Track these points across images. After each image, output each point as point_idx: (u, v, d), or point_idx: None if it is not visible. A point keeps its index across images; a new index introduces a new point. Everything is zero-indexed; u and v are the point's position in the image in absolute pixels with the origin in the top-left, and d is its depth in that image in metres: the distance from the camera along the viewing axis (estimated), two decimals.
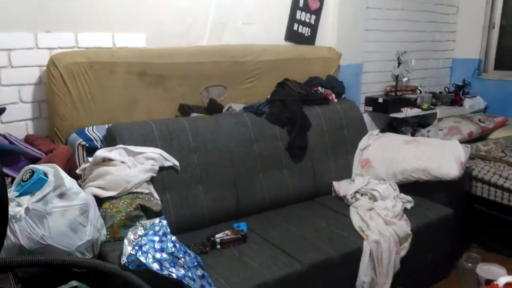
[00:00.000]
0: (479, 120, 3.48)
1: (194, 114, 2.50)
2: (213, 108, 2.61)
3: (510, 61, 4.07)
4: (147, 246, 1.56)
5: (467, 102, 3.92)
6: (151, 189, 2.04)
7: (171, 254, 1.59)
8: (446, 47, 4.23)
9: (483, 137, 3.42)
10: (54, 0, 2.21)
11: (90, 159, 2.01)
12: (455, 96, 3.91)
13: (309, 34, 3.20)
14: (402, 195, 2.49)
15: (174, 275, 1.53)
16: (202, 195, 2.25)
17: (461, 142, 2.85)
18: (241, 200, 2.37)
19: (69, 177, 1.67)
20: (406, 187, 2.59)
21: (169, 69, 2.48)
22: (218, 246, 1.99)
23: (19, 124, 2.23)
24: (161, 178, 2.14)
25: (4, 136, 1.96)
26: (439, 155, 2.54)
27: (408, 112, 3.48)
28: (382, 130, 3.36)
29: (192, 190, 2.24)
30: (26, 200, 1.54)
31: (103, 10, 2.36)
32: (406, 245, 2.24)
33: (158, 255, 1.55)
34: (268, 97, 2.78)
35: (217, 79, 2.70)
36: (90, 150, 2.14)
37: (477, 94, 4.04)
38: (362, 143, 2.85)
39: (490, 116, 3.61)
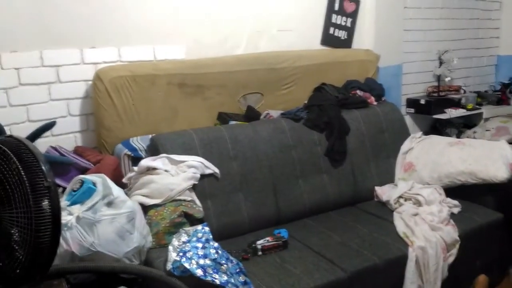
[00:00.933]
0: None
1: (232, 122, 2.54)
2: (251, 115, 2.63)
3: None
4: (190, 253, 1.60)
5: None
6: (193, 196, 2.08)
7: (214, 260, 1.62)
8: (490, 44, 4.07)
9: None
10: (98, 17, 2.33)
11: (136, 168, 2.08)
12: (502, 94, 3.76)
13: (345, 37, 3.17)
14: (448, 199, 2.41)
15: (217, 281, 1.55)
16: (243, 202, 2.28)
17: (510, 142, 2.72)
18: (281, 207, 2.37)
19: (116, 186, 1.74)
20: (452, 191, 2.50)
21: (207, 79, 2.53)
22: (260, 253, 2.00)
23: (68, 137, 2.34)
24: (202, 186, 2.18)
25: (55, 148, 2.07)
26: (486, 156, 2.44)
27: (452, 113, 3.37)
28: (426, 132, 3.27)
29: (233, 197, 2.27)
30: (76, 209, 1.62)
31: (144, 25, 2.45)
32: (454, 251, 2.16)
33: (201, 261, 1.58)
34: (305, 102, 2.78)
35: (254, 86, 2.72)
36: (135, 159, 2.21)
37: None
38: (404, 146, 2.78)
39: None
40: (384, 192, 2.55)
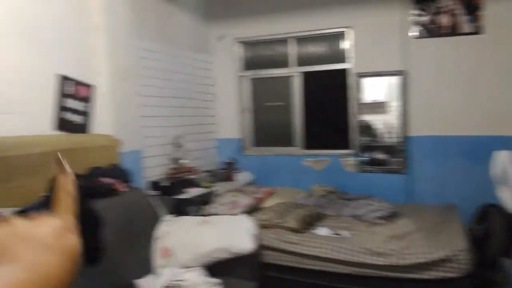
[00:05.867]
0: (252, 192, 3.87)
1: None
2: None
3: (264, 139, 4.78)
4: None
5: (238, 177, 4.32)
6: None
7: None
8: (211, 129, 4.65)
9: (258, 206, 3.79)
10: None
11: None
12: (227, 172, 4.27)
13: (81, 121, 2.95)
14: (209, 279, 2.44)
15: None
16: None
17: (242, 213, 3.06)
18: None
19: None
20: (210, 270, 2.56)
21: None
22: None
23: None
24: None
25: None
26: (234, 231, 2.65)
27: (192, 192, 3.56)
28: (171, 213, 3.31)
29: None
30: None
31: None
32: None
33: None
34: (44, 194, 2.35)
35: None
36: None
37: (244, 169, 4.52)
38: (158, 232, 2.71)
39: (259, 188, 4.07)
40: (148, 285, 2.36)
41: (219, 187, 3.94)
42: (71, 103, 2.88)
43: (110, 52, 3.14)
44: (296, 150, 4.62)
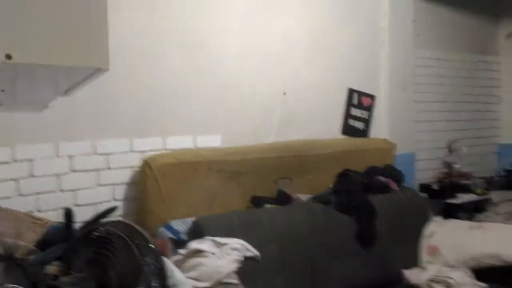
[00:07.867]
0: None
1: (267, 205, 2.68)
2: (283, 198, 2.79)
3: None
4: None
5: None
6: (237, 280, 2.15)
7: None
8: (492, 134, 4.39)
9: None
10: (145, 110, 2.56)
11: (182, 251, 2.16)
12: (507, 180, 3.97)
13: (363, 128, 3.45)
14: (478, 282, 2.49)
15: None
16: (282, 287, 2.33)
17: None
18: None
19: (176, 269, 1.83)
20: (477, 273, 2.59)
21: (243, 165, 2.72)
22: None
23: None
24: (242, 269, 2.22)
25: None
26: (509, 239, 2.58)
27: (463, 198, 3.56)
28: (441, 217, 3.42)
29: (272, 281, 2.33)
30: None
31: (186, 117, 2.70)
32: None
33: None
34: (331, 186, 2.95)
35: (283, 171, 2.91)
36: (177, 242, 2.31)
37: None
38: (427, 230, 2.91)
39: None
40: (414, 275, 2.63)
41: (495, 195, 3.74)
42: (355, 111, 3.42)
43: (391, 64, 3.52)
44: None
